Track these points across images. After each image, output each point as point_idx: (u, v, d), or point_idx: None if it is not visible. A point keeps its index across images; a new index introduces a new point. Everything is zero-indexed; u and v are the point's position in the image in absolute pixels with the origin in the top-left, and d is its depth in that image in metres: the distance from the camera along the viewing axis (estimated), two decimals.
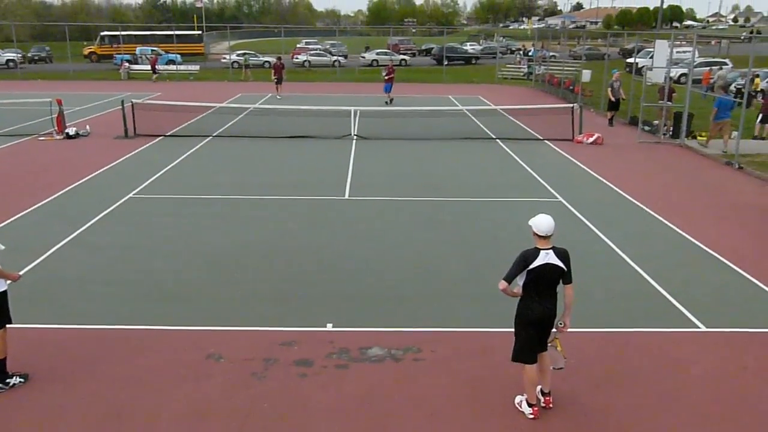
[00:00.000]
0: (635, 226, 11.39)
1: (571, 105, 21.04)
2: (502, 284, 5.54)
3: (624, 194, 13.38)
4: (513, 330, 5.82)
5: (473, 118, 23.87)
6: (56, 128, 19.58)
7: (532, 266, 5.48)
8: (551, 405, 5.91)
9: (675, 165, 16.62)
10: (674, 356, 6.90)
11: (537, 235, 5.56)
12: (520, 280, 5.61)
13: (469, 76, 42.92)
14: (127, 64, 42.40)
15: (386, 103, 28.07)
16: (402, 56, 53.03)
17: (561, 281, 5.64)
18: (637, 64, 27.09)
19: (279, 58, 33.33)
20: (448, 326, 7.48)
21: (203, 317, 7.66)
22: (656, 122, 20.74)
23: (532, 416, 5.79)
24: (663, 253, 9.97)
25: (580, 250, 10.02)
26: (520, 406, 5.91)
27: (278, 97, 29.98)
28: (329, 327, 7.44)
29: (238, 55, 48.32)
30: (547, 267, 5.50)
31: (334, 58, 50.84)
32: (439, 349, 6.99)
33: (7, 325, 6.22)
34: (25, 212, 11.58)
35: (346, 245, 10.20)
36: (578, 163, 16.42)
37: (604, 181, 14.58)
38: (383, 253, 9.89)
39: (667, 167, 16.27)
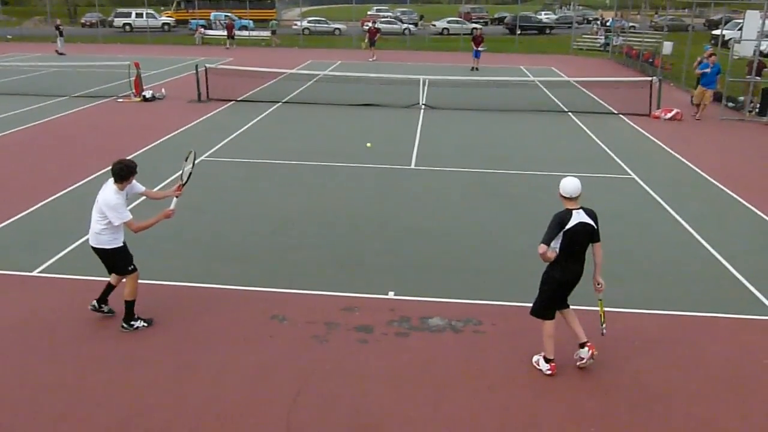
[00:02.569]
0: (712, 206, 10.91)
1: (650, 78, 20.15)
2: (542, 248, 5.63)
3: (702, 173, 12.81)
4: (542, 287, 5.95)
5: (545, 89, 23.25)
6: (134, 91, 20.24)
7: (567, 227, 5.58)
8: (595, 351, 5.95)
9: (759, 144, 15.74)
10: (745, 343, 6.62)
11: (564, 197, 5.68)
12: (555, 243, 5.68)
13: (543, 46, 41.70)
14: (202, 30, 43.23)
15: (472, 69, 29.18)
16: (473, 25, 51.97)
17: (590, 240, 5.75)
18: (723, 36, 25.64)
19: (374, 22, 36.41)
20: (511, 300, 7.40)
21: (268, 279, 7.85)
22: (742, 98, 19.64)
23: (549, 372, 5.90)
24: (740, 236, 9.53)
25: (652, 230, 9.70)
26: (538, 365, 6.03)
27: (373, 58, 32.68)
28: (391, 295, 7.49)
29: (309, 22, 48.53)
30: (582, 226, 5.62)
31: (405, 25, 50.29)
32: (500, 322, 6.94)
33: (90, 277, 6.54)
34: (102, 171, 12.08)
35: (411, 214, 10.20)
36: (654, 139, 15.80)
37: (681, 158, 13.98)
38: (448, 223, 9.84)
39: (750, 146, 15.43)
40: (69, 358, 6.16)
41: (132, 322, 6.66)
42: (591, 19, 61.01)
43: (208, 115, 17.97)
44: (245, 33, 45.53)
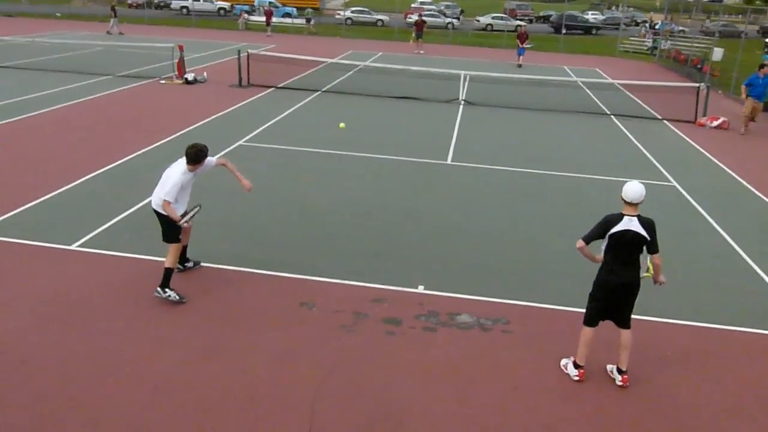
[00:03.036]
0: (756, 219, 10.61)
1: (697, 85, 19.67)
2: (579, 243, 5.60)
3: (747, 185, 12.46)
4: (591, 291, 5.82)
5: (588, 91, 22.88)
6: (176, 73, 20.51)
7: (613, 230, 5.48)
8: (627, 384, 5.76)
9: None
10: None
11: (624, 201, 5.53)
12: (602, 246, 5.60)
13: (588, 47, 41.02)
14: (245, 15, 43.57)
15: (518, 66, 29.07)
16: (518, 22, 51.37)
17: (646, 250, 5.57)
18: None
19: (420, 16, 36.37)
20: (541, 302, 7.32)
21: (299, 266, 7.88)
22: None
23: (577, 378, 5.79)
24: None
25: (692, 240, 9.48)
26: (566, 368, 5.93)
27: (421, 52, 32.76)
28: (420, 289, 7.47)
29: (352, 12, 48.52)
30: (629, 234, 5.46)
31: (448, 19, 49.96)
32: (529, 323, 6.86)
33: (125, 254, 6.66)
34: (142, 151, 12.28)
35: (445, 210, 10.14)
36: (698, 148, 15.42)
37: (726, 168, 13.62)
38: (481, 221, 9.76)
39: None
40: (101, 333, 6.28)
41: (166, 290, 6.86)
42: (639, 21, 59.79)
43: (248, 100, 18.12)
44: (288, 20, 45.73)
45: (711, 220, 10.23)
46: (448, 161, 12.94)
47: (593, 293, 5.80)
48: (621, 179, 12.23)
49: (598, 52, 38.38)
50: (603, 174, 12.57)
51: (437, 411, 5.41)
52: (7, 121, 14.25)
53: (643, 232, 5.48)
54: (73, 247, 8.09)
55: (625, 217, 5.49)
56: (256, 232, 8.92)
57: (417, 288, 7.49)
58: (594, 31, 52.58)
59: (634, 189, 5.48)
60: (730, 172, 13.34)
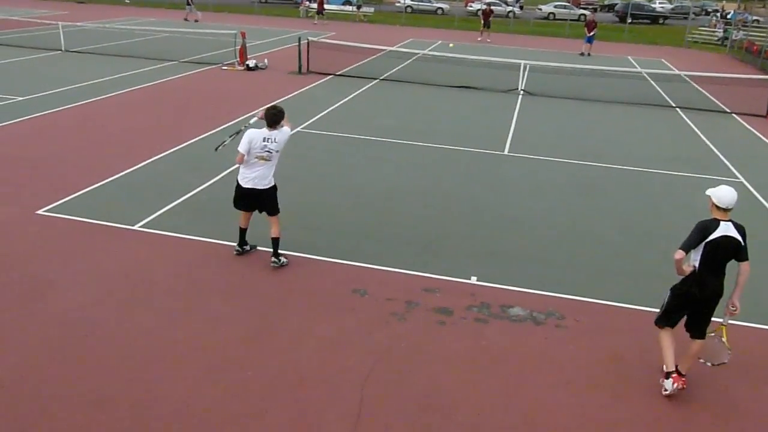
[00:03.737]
0: None
1: None
2: (679, 254, 5.21)
3: None
4: (669, 299, 5.54)
5: (653, 82, 22.15)
6: (238, 59, 20.87)
7: (711, 237, 5.17)
8: (685, 386, 5.50)
9: None
10: None
11: (717, 207, 5.24)
12: (694, 255, 5.28)
13: (654, 36, 39.69)
14: (307, 3, 43.89)
15: (582, 54, 29.12)
16: (581, 11, 50.10)
17: (735, 258, 5.25)
18: None
19: (488, 5, 35.27)
20: (597, 297, 7.17)
21: (353, 253, 7.95)
22: None
23: (676, 385, 5.44)
24: None
25: (759, 239, 9.08)
26: (665, 390, 5.56)
27: (488, 41, 32.42)
28: (473, 280, 7.42)
29: (412, 0, 48.25)
30: (726, 240, 5.18)
31: (509, 8, 49.14)
32: (583, 319, 6.74)
33: (185, 236, 6.85)
34: (203, 136, 12.57)
35: (500, 201, 10.03)
36: None
37: None
38: (537, 213, 9.61)
39: None
40: (161, 310, 6.50)
41: (281, 257, 7.46)
42: (710, 10, 57.42)
43: (307, 87, 18.29)
44: (349, 8, 45.84)
45: None
46: (506, 152, 12.77)
47: (673, 302, 5.50)
48: (685, 174, 11.84)
49: (665, 43, 37.08)
50: (666, 169, 12.18)
51: (485, 403, 5.38)
52: (75, 104, 14.82)
53: (739, 238, 5.21)
54: (136, 227, 8.37)
55: (722, 223, 5.20)
56: (311, 217, 9.03)
57: (470, 279, 7.44)
58: (661, 21, 50.83)
59: (729, 195, 5.20)
60: None
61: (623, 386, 5.69)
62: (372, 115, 15.26)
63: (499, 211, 9.63)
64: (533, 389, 5.60)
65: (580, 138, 14.25)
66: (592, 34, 29.46)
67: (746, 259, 5.25)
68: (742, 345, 6.41)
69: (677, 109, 18.05)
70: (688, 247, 5.23)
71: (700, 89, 21.33)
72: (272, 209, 7.44)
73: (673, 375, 5.49)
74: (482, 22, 33.50)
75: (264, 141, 7.10)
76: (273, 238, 7.42)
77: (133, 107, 14.90)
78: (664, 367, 5.60)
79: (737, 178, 11.83)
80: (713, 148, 13.97)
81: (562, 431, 5.11)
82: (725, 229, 5.18)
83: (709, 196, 5.31)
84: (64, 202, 9.05)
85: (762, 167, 12.74)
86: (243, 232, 7.65)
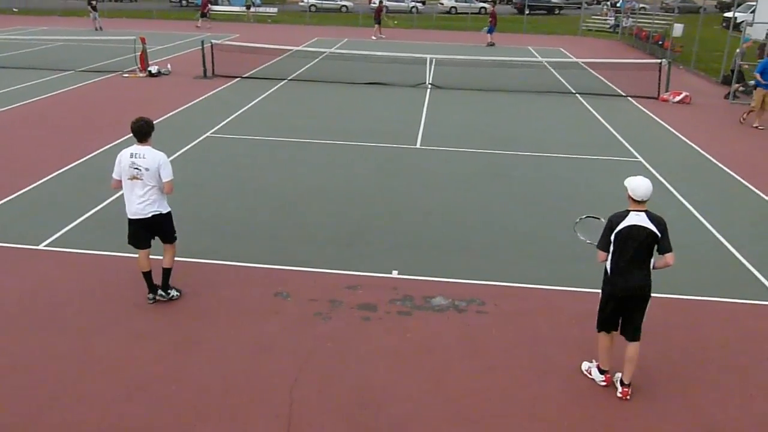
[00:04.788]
0: (719, 191, 10.85)
1: (659, 61, 19.95)
2: (602, 255, 5.25)
3: (710, 157, 12.72)
4: (594, 293, 5.63)
5: (553, 70, 23.06)
6: (139, 66, 20.14)
7: (618, 228, 5.10)
8: (628, 397, 5.43)
9: None
10: (752, 330, 6.62)
11: (632, 198, 5.15)
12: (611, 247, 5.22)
13: (552, 26, 41.29)
14: (209, 5, 42.84)
15: (490, 44, 30.47)
16: (481, 4, 51.42)
17: (657, 250, 5.16)
18: (735, 19, 25.30)
19: (380, 1, 34.87)
20: (514, 281, 7.41)
21: (272, 256, 7.86)
22: (752, 83, 19.42)
23: (604, 383, 5.60)
24: (748, 222, 9.49)
25: (658, 214, 9.65)
26: (589, 374, 5.70)
27: (374, 38, 32.18)
28: (394, 274, 7.50)
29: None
30: (636, 229, 5.06)
31: (412, 3, 49.80)
32: (503, 303, 6.95)
33: (95, 252, 6.54)
34: (107, 147, 12.06)
35: (416, 194, 10.18)
36: (662, 123, 15.67)
37: (689, 142, 13.88)
38: (452, 204, 9.82)
39: (761, 132, 15.29)
40: (74, 330, 6.20)
41: (170, 290, 6.81)
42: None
43: (214, 91, 17.89)
44: (252, 9, 45.13)
45: (677, 194, 10.43)
46: (418, 145, 12.97)
47: (603, 304, 5.42)
48: (588, 157, 12.42)
49: (561, 32, 38.72)
50: (570, 152, 12.72)
51: (415, 394, 5.46)
52: None
53: (652, 227, 5.05)
54: (41, 246, 7.94)
55: (631, 213, 5.10)
56: (226, 224, 8.86)
57: (391, 273, 7.52)
58: (557, 11, 52.93)
59: (643, 186, 5.07)
60: (694, 145, 13.59)
61: (544, 365, 5.91)
62: (282, 116, 15.11)
63: (415, 204, 9.77)
64: (460, 375, 5.73)
65: (488, 127, 14.65)
66: (492, 23, 30.92)
67: (669, 250, 5.14)
68: (652, 316, 6.81)
69: (577, 95, 18.88)
70: (604, 245, 5.19)
71: (597, 75, 22.39)
72: (167, 236, 6.73)
73: (607, 374, 5.58)
74: (375, 18, 33.61)
75: (131, 158, 6.35)
76: (164, 269, 6.74)
77: (31, 121, 14.10)
78: (599, 362, 5.62)
79: (636, 157, 12.52)
80: (612, 130, 14.71)
81: (490, 413, 5.26)
82: (635, 219, 5.07)
83: (626, 187, 5.19)
84: None
85: (657, 147, 13.53)
86: (148, 276, 6.71)
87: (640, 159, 12.41)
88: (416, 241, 8.47)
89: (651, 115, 16.59)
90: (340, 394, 5.43)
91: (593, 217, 5.86)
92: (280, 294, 6.99)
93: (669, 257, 5.18)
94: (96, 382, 5.47)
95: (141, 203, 6.42)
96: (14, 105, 15.48)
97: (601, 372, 5.64)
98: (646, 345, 6.20)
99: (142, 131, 6.45)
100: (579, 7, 46.18)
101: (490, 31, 31.17)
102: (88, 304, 6.70)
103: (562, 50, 29.73)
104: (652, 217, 5.13)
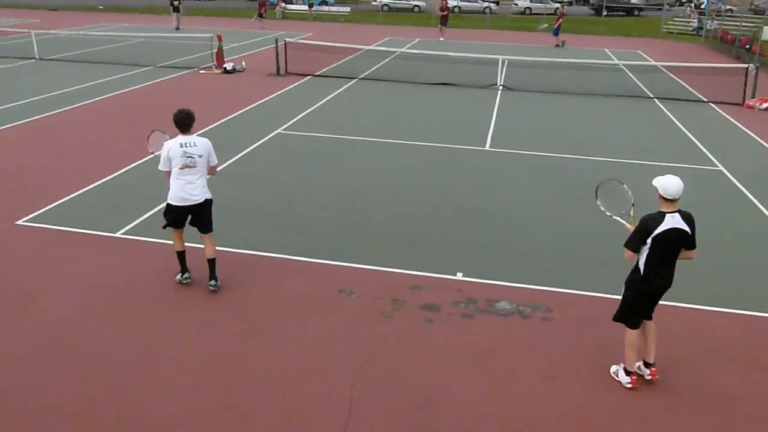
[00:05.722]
0: None
1: (746, 65, 19.01)
2: (629, 254, 5.25)
3: None
4: (625, 293, 5.51)
5: (630, 74, 22.35)
6: (215, 63, 20.73)
7: (657, 231, 5.07)
8: (657, 376, 5.54)
9: None
10: None
11: (663, 197, 5.13)
12: (642, 250, 5.22)
13: (630, 28, 40.04)
14: (283, 4, 43.75)
15: (557, 46, 29.85)
16: (557, 5, 50.38)
17: (684, 246, 5.21)
18: None
19: (445, 1, 33.04)
20: (581, 289, 7.21)
21: (338, 253, 7.92)
22: None
23: (630, 385, 5.51)
24: None
25: (738, 226, 9.21)
26: (617, 376, 5.62)
27: (441, 39, 31.04)
28: (459, 276, 7.43)
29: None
30: (674, 232, 5.08)
31: (486, 4, 49.30)
32: (569, 310, 6.77)
33: (168, 241, 6.76)
34: None
35: (484, 196, 10.06)
36: (747, 131, 14.92)
37: None
38: (520, 207, 9.66)
39: None
40: (144, 317, 6.43)
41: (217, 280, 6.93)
42: (684, 1, 57.98)
43: (286, 88, 18.22)
44: (325, 8, 45.77)
45: (760, 206, 9.90)
46: (487, 147, 12.82)
47: (631, 297, 5.43)
48: (665, 164, 11.96)
49: (641, 34, 37.45)
50: (646, 159, 12.28)
51: (475, 398, 5.39)
52: (52, 113, 14.64)
53: (687, 228, 5.11)
54: (118, 234, 8.28)
55: (667, 216, 5.08)
56: (294, 219, 8.99)
57: (455, 275, 7.45)
58: (636, 12, 51.24)
59: (675, 184, 5.06)
60: None
61: (608, 377, 5.70)
62: (352, 115, 15.23)
63: (482, 206, 9.66)
64: (522, 382, 5.62)
65: (560, 131, 14.33)
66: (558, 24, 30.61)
67: (694, 247, 5.23)
68: (723, 330, 6.50)
69: (655, 99, 18.23)
70: (634, 246, 5.19)
71: (677, 79, 21.55)
72: (207, 224, 6.87)
73: (633, 376, 5.52)
74: (440, 18, 32.10)
75: (182, 147, 6.60)
76: (211, 260, 6.89)
77: (111, 114, 14.74)
78: (626, 364, 5.57)
79: (716, 166, 11.97)
80: (691, 136, 14.12)
81: (551, 422, 5.13)
82: (672, 221, 5.07)
83: (656, 187, 5.17)
84: (45, 211, 8.94)
85: (740, 155, 12.90)
86: (183, 255, 6.96)
87: (721, 168, 11.85)
88: (482, 244, 8.37)
89: (734, 122, 15.83)
90: (400, 393, 5.42)
91: (617, 181, 5.84)
92: (344, 291, 7.04)
93: (693, 253, 5.30)
94: (163, 368, 5.65)
95: (194, 189, 6.66)
96: (97, 98, 16.22)
97: (628, 373, 5.54)
98: (719, 361, 5.92)
99: (186, 122, 6.73)
100: (660, 9, 44.61)
101: (555, 33, 30.64)
102: (159, 292, 6.93)
103: (641, 53, 28.77)
104: (684, 216, 5.16)
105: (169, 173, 6.70)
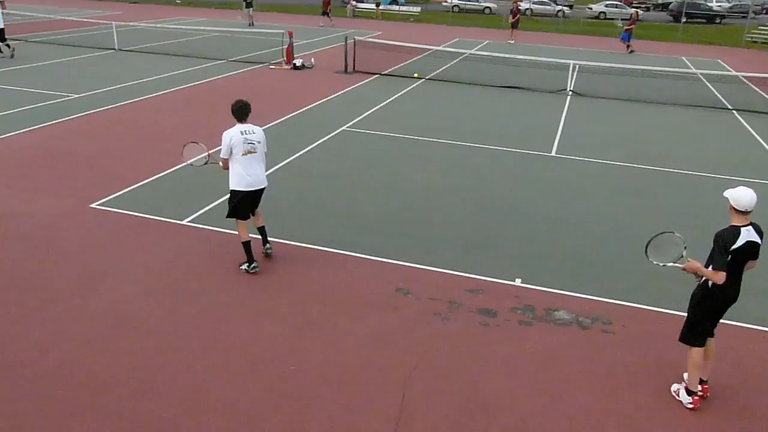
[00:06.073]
0: None
1: None
2: (721, 276, 4.96)
3: None
4: (694, 309, 5.33)
5: (708, 83, 21.51)
6: (285, 59, 21.10)
7: (735, 246, 4.94)
8: (708, 394, 5.44)
9: None
10: None
11: (737, 210, 4.99)
12: (714, 265, 5.05)
13: (711, 36, 38.52)
14: (354, 2, 44.11)
15: (631, 51, 29.19)
16: (633, 9, 48.96)
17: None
18: None
19: (516, 3, 32.49)
20: (645, 303, 6.99)
21: (397, 252, 7.94)
22: None
23: (691, 406, 5.33)
24: None
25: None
26: (677, 395, 5.46)
27: (510, 42, 30.70)
28: (517, 282, 7.33)
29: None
30: (750, 245, 4.98)
31: (559, 7, 48.41)
32: (631, 325, 6.58)
33: (231, 231, 6.92)
34: None
35: (547, 203, 9.88)
36: None
37: None
38: (585, 215, 9.44)
39: None
40: (209, 303, 6.61)
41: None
42: None
43: (353, 86, 18.37)
44: (395, 8, 45.90)
45: None
46: (553, 153, 12.58)
47: (700, 313, 5.29)
48: (742, 179, 11.45)
49: (722, 42, 35.97)
50: (722, 173, 11.80)
51: (528, 407, 5.30)
52: (128, 102, 15.22)
53: (759, 240, 5.04)
54: (185, 222, 8.54)
55: (742, 230, 4.96)
56: (355, 216, 9.06)
57: (514, 281, 7.35)
58: (718, 20, 49.30)
59: (748, 196, 4.92)
60: None
61: (667, 394, 5.52)
62: (417, 115, 15.22)
63: (545, 212, 9.49)
64: (579, 395, 5.49)
65: (630, 140, 13.93)
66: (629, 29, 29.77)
67: (758, 257, 5.14)
68: None
69: (734, 111, 17.48)
70: (725, 265, 4.96)
71: (759, 91, 20.61)
72: (258, 204, 7.44)
73: (695, 396, 5.36)
74: (510, 21, 31.58)
75: (243, 135, 6.98)
76: (262, 227, 7.54)
77: (184, 104, 15.21)
78: (688, 384, 5.41)
79: None
80: None
81: None
82: (747, 235, 4.97)
83: (727, 199, 5.06)
84: (117, 196, 9.30)
85: None
86: (249, 245, 7.23)
87: None
88: (543, 251, 8.22)
89: None
90: (452, 396, 5.38)
91: (668, 232, 5.62)
92: (401, 290, 7.05)
93: (756, 263, 5.20)
94: (223, 354, 5.80)
95: (260, 175, 7.16)
96: (171, 89, 16.76)
97: (690, 393, 5.37)
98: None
99: (244, 111, 7.11)
100: (744, 17, 42.68)
101: (625, 38, 29.70)
102: (222, 280, 7.11)
103: (721, 62, 27.66)
104: (756, 229, 5.07)
105: (227, 161, 7.07)
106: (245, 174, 7.00)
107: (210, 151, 7.76)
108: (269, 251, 7.53)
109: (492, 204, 9.72)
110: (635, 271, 7.80)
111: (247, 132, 7.02)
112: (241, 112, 7.08)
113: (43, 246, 7.72)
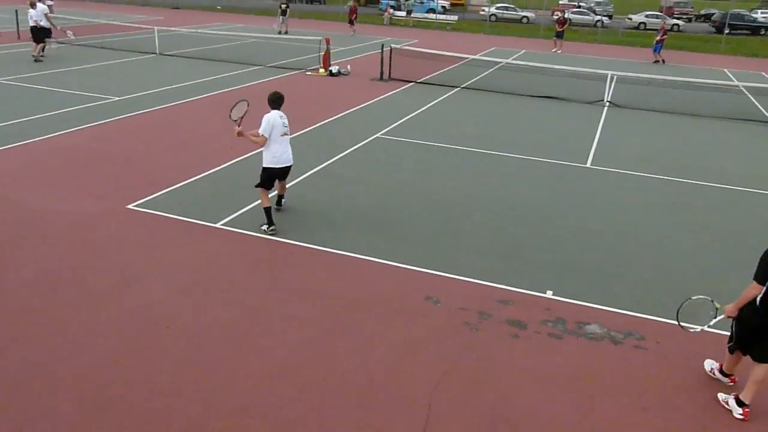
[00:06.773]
0: None
1: None
2: (757, 288, 5.01)
3: None
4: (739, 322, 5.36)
5: (750, 96, 21.03)
6: (322, 65, 21.28)
7: None
8: (748, 418, 5.31)
9: None
10: None
11: None
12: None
13: (754, 48, 37.67)
14: (391, 10, 44.32)
15: (655, 62, 29.00)
16: (675, 20, 48.21)
17: None
18: None
19: (563, 12, 32.72)
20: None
21: (427, 260, 7.92)
22: None
23: (741, 417, 5.27)
24: None
25: None
26: (727, 404, 5.43)
27: (558, 51, 30.99)
28: (549, 294, 7.24)
29: (497, 8, 47.76)
30: None
31: (597, 17, 47.91)
32: (665, 341, 6.45)
33: (263, 236, 7.01)
34: (292, 136, 12.83)
35: (581, 215, 9.76)
36: None
37: None
38: (620, 229, 9.29)
39: None
40: (239, 306, 6.68)
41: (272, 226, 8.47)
42: None
43: (388, 94, 18.43)
44: (432, 16, 45.97)
45: None
46: (588, 164, 12.43)
47: (741, 332, 5.42)
48: None
49: (765, 55, 35.15)
50: (764, 188, 11.51)
51: (557, 422, 5.23)
52: (168, 105, 15.51)
53: None
54: (218, 225, 8.65)
55: None
56: (387, 223, 9.07)
57: (545, 293, 7.27)
58: (763, 32, 48.17)
59: None
60: None
61: (701, 413, 5.40)
62: (452, 123, 15.19)
63: (579, 224, 9.37)
64: (609, 411, 5.40)
65: (668, 152, 13.69)
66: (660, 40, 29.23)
67: None
68: None
69: None
70: (764, 278, 4.96)
71: None
72: (285, 177, 8.78)
73: (746, 408, 5.33)
74: (558, 29, 31.69)
75: (281, 119, 8.34)
76: (282, 195, 9.14)
77: (223, 108, 15.41)
78: (744, 397, 5.37)
79: None
80: None
81: None
82: None
83: None
84: (153, 198, 9.47)
85: None
86: (269, 210, 8.40)
87: None
88: (575, 263, 8.11)
89: None
90: (480, 407, 5.34)
91: (704, 298, 5.73)
92: (430, 299, 7.03)
93: None
94: (251, 356, 5.85)
95: (290, 153, 8.53)
96: (210, 93, 17.04)
97: (740, 405, 5.33)
98: None
99: (280, 101, 8.51)
100: None
101: (657, 50, 29.17)
102: (253, 283, 7.19)
103: (765, 75, 27.02)
104: None
105: (265, 139, 8.22)
106: (281, 153, 8.35)
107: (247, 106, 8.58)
108: (278, 209, 9.04)
109: (524, 214, 9.63)
110: (670, 285, 7.65)
111: (282, 117, 8.39)
112: (277, 101, 8.47)
113: (81, 244, 7.90)
